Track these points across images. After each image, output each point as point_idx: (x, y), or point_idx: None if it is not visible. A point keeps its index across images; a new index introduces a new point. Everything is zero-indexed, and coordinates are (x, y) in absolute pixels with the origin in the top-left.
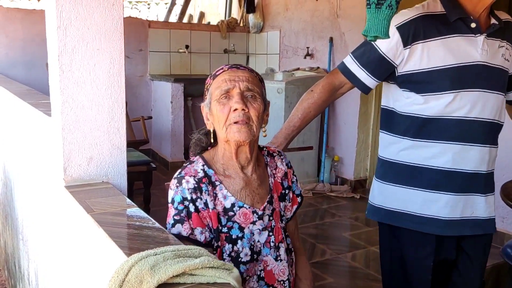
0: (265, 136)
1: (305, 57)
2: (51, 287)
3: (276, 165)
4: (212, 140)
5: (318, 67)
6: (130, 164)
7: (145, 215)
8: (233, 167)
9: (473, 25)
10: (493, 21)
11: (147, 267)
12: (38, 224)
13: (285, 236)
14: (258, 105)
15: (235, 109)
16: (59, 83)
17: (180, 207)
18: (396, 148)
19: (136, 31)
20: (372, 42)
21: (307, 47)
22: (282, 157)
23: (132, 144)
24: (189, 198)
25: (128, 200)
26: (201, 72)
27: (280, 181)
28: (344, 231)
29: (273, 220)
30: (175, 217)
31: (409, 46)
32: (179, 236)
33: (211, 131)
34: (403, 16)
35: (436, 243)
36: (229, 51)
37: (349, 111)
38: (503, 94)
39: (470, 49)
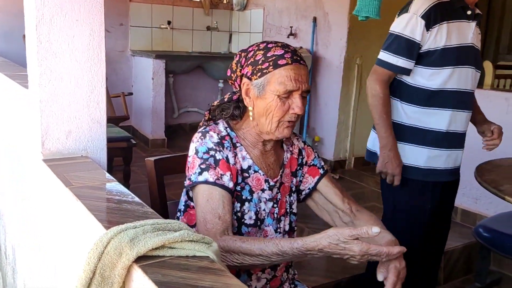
0: None
1: (288, 37)
2: (29, 261)
3: (292, 142)
4: (251, 119)
5: (301, 47)
6: (109, 140)
7: (125, 189)
8: (256, 138)
9: (469, 12)
10: (477, 11)
11: (126, 239)
12: (15, 198)
13: (290, 212)
14: (306, 103)
15: (294, 112)
16: (37, 54)
17: (205, 156)
18: (406, 113)
19: (117, 4)
20: (407, 37)
21: (291, 27)
22: (297, 136)
23: (112, 120)
24: (214, 148)
25: (108, 175)
26: (183, 49)
27: (296, 157)
28: None
29: (279, 193)
30: (201, 166)
31: (431, 29)
32: (206, 183)
33: (250, 109)
34: (422, 4)
35: (433, 190)
36: (212, 28)
37: (330, 92)
38: (480, 72)
39: (467, 32)
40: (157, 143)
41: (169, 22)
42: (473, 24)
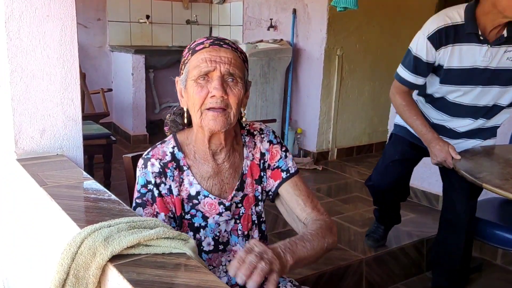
0: (244, 119)
1: (268, 29)
2: (8, 261)
3: (255, 144)
4: (185, 121)
5: (281, 39)
6: (89, 137)
7: (101, 187)
8: (204, 153)
9: (481, 37)
10: (503, 33)
11: (101, 239)
12: None
13: (258, 222)
14: (238, 91)
15: (213, 96)
16: (7, 51)
17: (143, 190)
18: (417, 101)
19: None
20: (416, 55)
21: (271, 19)
22: (262, 135)
23: (92, 117)
24: (153, 182)
25: (84, 173)
26: (163, 43)
27: (258, 163)
28: None
29: (242, 207)
30: (137, 200)
31: (439, 49)
32: None
33: (185, 110)
34: (431, 25)
35: (405, 146)
36: (191, 22)
37: (312, 84)
38: (506, 86)
39: (475, 56)
40: (139, 139)
41: (147, 17)
42: (484, 47)
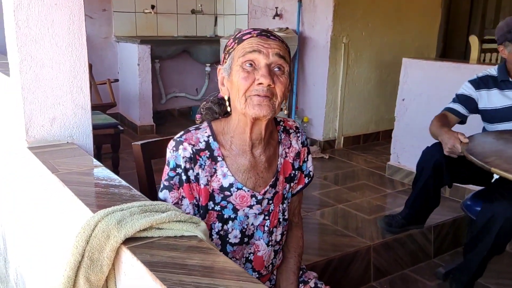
0: (286, 113)
1: (274, 18)
2: (20, 248)
3: (291, 143)
4: (227, 110)
5: (287, 28)
6: (97, 127)
7: (111, 174)
8: (243, 143)
9: (510, 84)
10: None
11: (114, 222)
12: (2, 187)
13: (283, 219)
14: (285, 80)
15: (260, 83)
16: (16, 40)
17: (172, 173)
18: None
19: None
20: (459, 93)
21: (276, 7)
22: (298, 134)
23: (99, 107)
24: (182, 166)
25: (95, 160)
26: (168, 33)
27: (291, 161)
28: (313, 190)
29: (272, 204)
30: (165, 183)
31: (478, 90)
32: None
33: (226, 98)
34: (474, 76)
35: None
36: (196, 11)
37: (318, 72)
38: None
39: (506, 98)
40: (146, 130)
41: (153, 7)
42: None
